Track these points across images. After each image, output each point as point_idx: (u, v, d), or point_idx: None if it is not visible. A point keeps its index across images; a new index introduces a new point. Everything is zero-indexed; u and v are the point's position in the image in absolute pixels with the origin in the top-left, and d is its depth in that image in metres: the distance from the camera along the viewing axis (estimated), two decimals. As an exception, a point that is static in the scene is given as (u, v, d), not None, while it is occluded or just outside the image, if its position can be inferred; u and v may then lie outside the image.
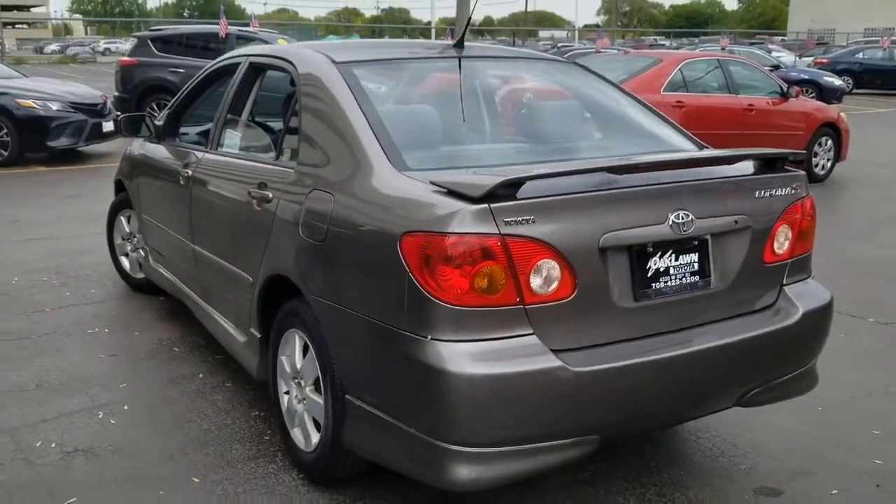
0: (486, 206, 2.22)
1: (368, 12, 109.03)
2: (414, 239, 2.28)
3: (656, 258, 2.49)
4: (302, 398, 2.89)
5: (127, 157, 4.85)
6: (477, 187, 2.23)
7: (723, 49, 19.66)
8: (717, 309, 2.64)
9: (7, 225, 6.78)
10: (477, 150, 2.97)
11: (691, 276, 2.56)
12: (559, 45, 34.39)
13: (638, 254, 2.45)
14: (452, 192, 2.29)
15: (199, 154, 3.78)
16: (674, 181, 2.53)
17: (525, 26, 68.81)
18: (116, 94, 13.15)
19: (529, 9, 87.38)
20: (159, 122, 4.37)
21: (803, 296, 2.80)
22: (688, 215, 2.50)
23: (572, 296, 2.34)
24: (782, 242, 2.75)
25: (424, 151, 2.75)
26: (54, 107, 10.38)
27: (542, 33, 73.86)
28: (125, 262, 5.07)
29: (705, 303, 2.61)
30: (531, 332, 2.31)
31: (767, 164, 2.79)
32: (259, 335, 3.17)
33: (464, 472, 2.29)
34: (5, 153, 9.93)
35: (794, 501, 2.88)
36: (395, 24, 73.34)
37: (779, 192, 2.73)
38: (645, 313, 2.49)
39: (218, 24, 13.83)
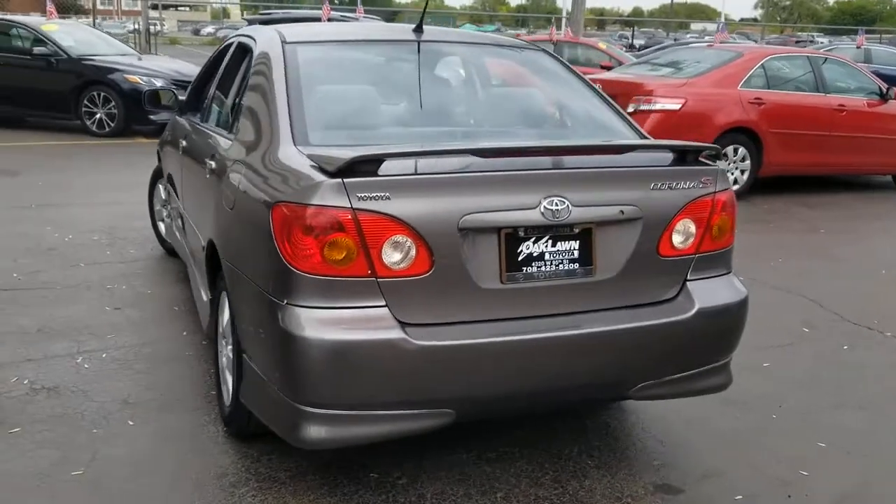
0: (339, 180, 2.33)
1: (514, 1, 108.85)
2: (280, 209, 2.41)
3: (529, 243, 2.51)
4: (226, 356, 3.10)
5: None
6: (333, 163, 2.34)
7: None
8: (601, 298, 2.63)
9: (86, 189, 7.40)
10: (395, 131, 3.05)
11: (570, 263, 2.57)
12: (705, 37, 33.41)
13: (508, 237, 2.49)
14: (317, 167, 2.41)
15: (190, 127, 4.06)
16: (547, 168, 2.55)
17: (675, 18, 66.65)
18: None
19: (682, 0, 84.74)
20: (182, 98, 4.69)
21: (708, 292, 2.74)
22: (563, 202, 2.50)
23: (429, 273, 2.41)
24: (685, 237, 2.70)
25: (337, 130, 2.87)
26: (158, 83, 11.07)
27: (694, 26, 71.53)
28: (161, 227, 5.47)
29: (587, 291, 2.61)
30: (383, 304, 2.40)
31: (682, 156, 2.74)
32: (208, 297, 3.40)
33: (313, 432, 2.42)
34: (112, 124, 10.74)
35: (690, 501, 2.84)
36: (540, 13, 72.90)
37: (680, 186, 2.68)
38: (513, 295, 2.52)
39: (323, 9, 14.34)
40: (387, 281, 2.39)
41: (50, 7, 14.10)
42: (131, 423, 3.19)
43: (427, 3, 3.58)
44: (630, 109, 7.58)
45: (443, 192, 2.42)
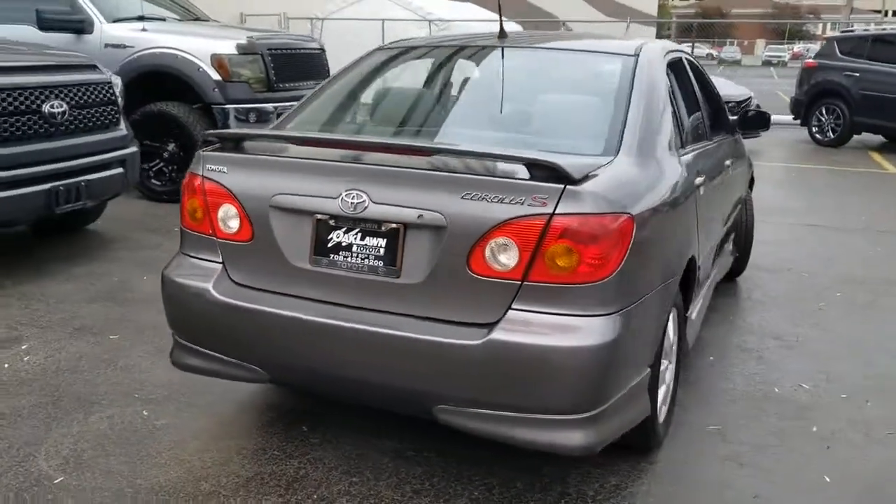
0: (199, 152, 2.81)
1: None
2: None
3: (340, 232, 2.60)
4: None
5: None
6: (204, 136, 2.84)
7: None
8: (406, 303, 2.55)
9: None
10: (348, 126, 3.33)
11: (376, 259, 2.56)
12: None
13: (320, 223, 2.62)
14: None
15: None
16: (350, 161, 2.57)
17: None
18: (794, 96, 13.52)
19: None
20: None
21: (529, 327, 2.39)
22: (361, 196, 2.52)
23: (251, 241, 2.72)
24: (502, 258, 2.41)
25: (311, 119, 3.28)
26: None
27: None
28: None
29: (392, 292, 2.56)
30: (220, 261, 2.79)
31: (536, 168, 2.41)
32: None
33: (174, 355, 2.98)
34: None
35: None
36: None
37: (497, 199, 2.39)
38: (320, 279, 2.64)
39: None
40: (222, 242, 2.78)
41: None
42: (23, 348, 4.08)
43: (500, 8, 3.54)
44: None
45: (260, 172, 2.70)
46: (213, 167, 2.78)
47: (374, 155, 2.63)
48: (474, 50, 3.69)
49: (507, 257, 2.42)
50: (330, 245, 2.63)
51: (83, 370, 3.75)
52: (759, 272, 5.71)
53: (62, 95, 5.03)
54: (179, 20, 8.03)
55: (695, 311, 3.74)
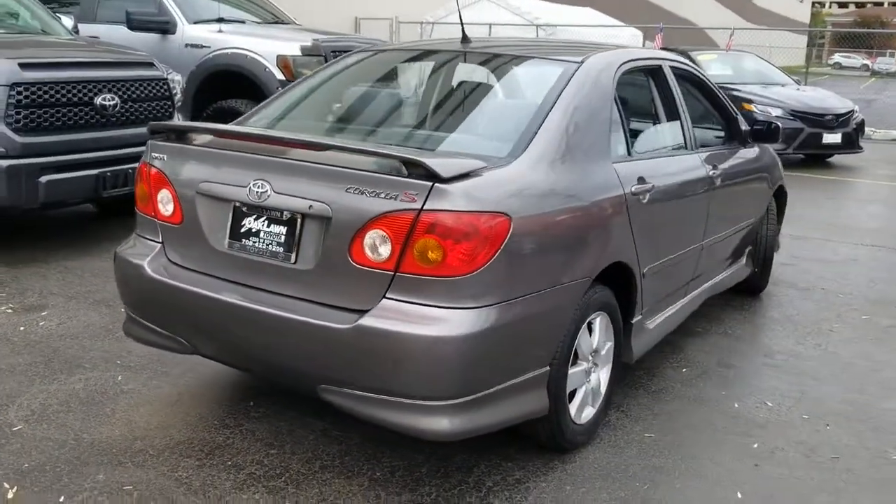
0: (149, 141, 3.09)
1: None
2: None
3: (251, 219, 2.81)
4: None
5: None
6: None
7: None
8: (300, 287, 2.73)
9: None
10: (297, 122, 3.48)
11: (278, 245, 2.76)
12: None
13: (237, 209, 2.84)
14: None
15: None
16: (258, 154, 2.77)
17: None
18: None
19: None
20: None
21: (399, 315, 2.52)
22: (264, 186, 2.72)
23: (181, 224, 2.97)
24: (379, 249, 2.55)
25: (269, 115, 3.50)
26: (774, 112, 11.15)
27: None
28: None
29: (289, 276, 2.74)
30: (160, 241, 3.07)
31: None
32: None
33: (124, 326, 3.28)
34: None
35: None
36: None
37: (375, 194, 2.53)
38: (233, 261, 2.86)
39: None
40: (161, 223, 3.05)
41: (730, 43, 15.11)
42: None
43: (460, 11, 3.64)
44: None
45: (190, 161, 2.94)
46: (156, 155, 3.05)
47: (278, 148, 2.83)
48: (433, 54, 3.83)
49: (382, 249, 2.56)
50: (243, 230, 2.85)
51: (84, 337, 4.13)
52: (789, 290, 5.53)
53: (115, 89, 5.51)
54: (258, 23, 8.51)
55: (654, 321, 3.73)
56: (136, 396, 3.52)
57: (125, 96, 5.59)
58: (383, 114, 3.55)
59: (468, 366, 2.55)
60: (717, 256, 4.41)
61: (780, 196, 5.40)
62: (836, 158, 12.27)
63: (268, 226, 2.80)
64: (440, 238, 2.49)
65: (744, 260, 4.98)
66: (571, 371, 3.06)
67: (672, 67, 4.07)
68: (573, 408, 3.12)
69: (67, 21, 6.91)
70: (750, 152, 4.75)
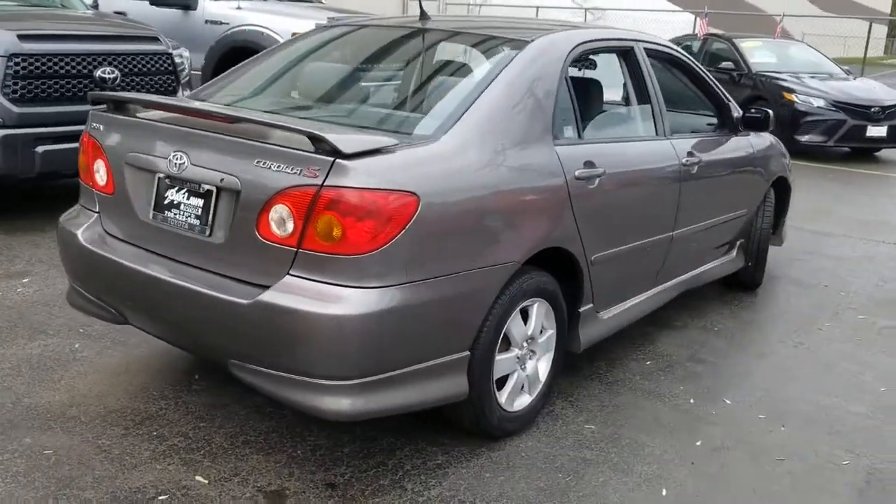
0: (90, 111, 3.12)
1: None
2: None
3: (173, 191, 2.81)
4: None
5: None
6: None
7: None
8: (213, 261, 2.72)
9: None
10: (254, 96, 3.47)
11: (195, 218, 2.75)
12: None
13: (161, 181, 2.84)
14: None
15: None
16: (180, 126, 2.75)
17: None
18: None
19: None
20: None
21: (300, 292, 2.49)
22: (182, 158, 2.72)
23: (113, 194, 2.99)
24: (282, 224, 2.51)
25: (221, 88, 3.50)
26: (816, 103, 10.78)
27: None
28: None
29: (203, 249, 2.74)
30: (97, 211, 3.09)
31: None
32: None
33: (67, 294, 3.31)
34: None
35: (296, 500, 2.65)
36: None
37: (279, 169, 2.50)
38: (156, 232, 2.87)
39: None
40: (97, 193, 3.07)
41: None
42: None
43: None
44: None
45: (121, 132, 2.95)
46: (94, 125, 3.08)
47: (197, 120, 2.81)
48: (388, 31, 3.76)
49: (286, 224, 2.52)
50: (166, 202, 2.85)
51: (55, 304, 4.21)
52: (790, 286, 5.33)
53: (115, 63, 5.59)
54: (280, 0, 8.55)
55: (611, 311, 3.63)
56: (87, 364, 3.58)
57: (126, 70, 5.67)
58: (325, 89, 3.51)
59: (368, 346, 2.51)
60: (696, 248, 4.27)
61: (782, 188, 5.19)
62: (885, 153, 11.78)
63: (187, 198, 2.79)
64: (340, 215, 2.44)
65: (734, 253, 4.81)
66: (500, 357, 3.00)
67: (650, 50, 3.93)
68: (503, 395, 3.06)
69: (89, -5, 7.04)
70: (742, 141, 4.57)
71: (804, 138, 10.79)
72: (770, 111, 4.47)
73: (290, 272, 2.55)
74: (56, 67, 5.28)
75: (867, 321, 4.77)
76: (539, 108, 3.06)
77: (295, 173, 2.49)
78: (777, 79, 11.28)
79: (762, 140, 4.80)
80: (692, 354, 4.11)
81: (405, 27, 3.66)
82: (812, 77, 11.55)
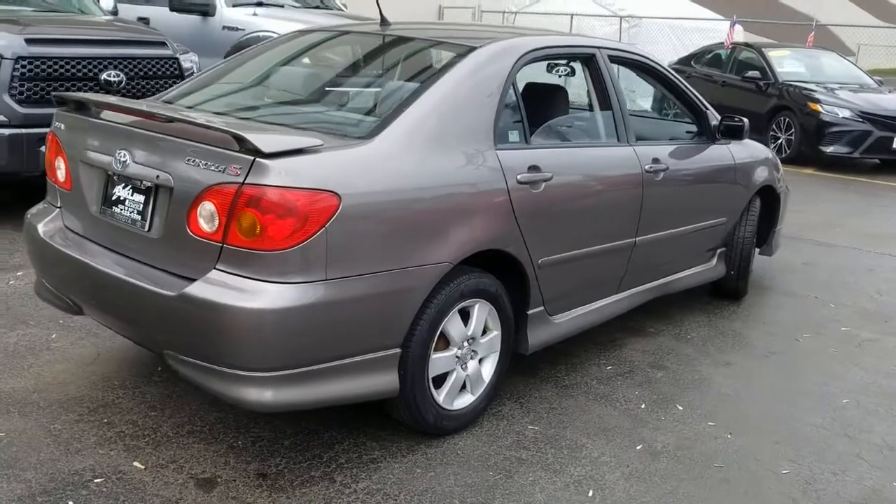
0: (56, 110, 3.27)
1: None
2: None
3: (119, 187, 2.94)
4: None
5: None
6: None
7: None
8: (151, 254, 2.84)
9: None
10: (228, 98, 3.57)
11: (137, 213, 2.87)
12: None
13: (110, 177, 2.98)
14: None
15: None
16: (124, 125, 2.88)
17: None
18: None
19: None
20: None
21: (219, 286, 2.59)
22: (126, 156, 2.85)
23: (71, 190, 3.13)
24: (210, 221, 2.62)
25: (190, 91, 3.61)
26: (841, 113, 10.63)
27: None
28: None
29: (143, 243, 2.86)
30: (59, 206, 3.24)
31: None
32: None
33: (35, 285, 3.46)
34: (787, 151, 10.96)
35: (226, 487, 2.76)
36: None
37: (205, 166, 2.61)
38: (104, 226, 3.01)
39: None
40: (58, 189, 3.22)
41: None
42: None
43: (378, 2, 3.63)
44: None
45: (78, 131, 3.09)
46: (57, 124, 3.23)
47: (140, 120, 2.94)
48: (346, 36, 3.86)
49: (212, 220, 2.63)
50: (113, 198, 2.98)
51: (42, 296, 4.40)
52: (779, 296, 5.29)
53: (120, 66, 5.80)
54: (297, 7, 8.71)
55: (566, 315, 3.66)
56: (59, 354, 3.73)
57: (132, 73, 5.87)
58: (280, 92, 3.63)
59: (289, 340, 2.60)
60: (664, 255, 4.27)
61: (770, 198, 5.15)
62: (915, 166, 11.54)
63: (131, 194, 2.92)
64: (260, 212, 2.54)
65: (714, 261, 4.80)
66: (437, 356, 3.06)
67: (617, 57, 3.96)
68: (441, 393, 3.12)
69: (108, 1, 7.29)
70: (720, 150, 4.56)
71: (829, 149, 10.63)
72: (745, 120, 4.45)
73: (217, 266, 2.66)
74: (62, 70, 5.49)
75: (850, 333, 4.71)
76: (479, 112, 3.12)
77: (220, 171, 2.60)
78: (803, 88, 11.12)
79: (744, 148, 4.78)
80: (656, 361, 4.12)
81: (367, 33, 3.76)
82: (841, 87, 11.36)
